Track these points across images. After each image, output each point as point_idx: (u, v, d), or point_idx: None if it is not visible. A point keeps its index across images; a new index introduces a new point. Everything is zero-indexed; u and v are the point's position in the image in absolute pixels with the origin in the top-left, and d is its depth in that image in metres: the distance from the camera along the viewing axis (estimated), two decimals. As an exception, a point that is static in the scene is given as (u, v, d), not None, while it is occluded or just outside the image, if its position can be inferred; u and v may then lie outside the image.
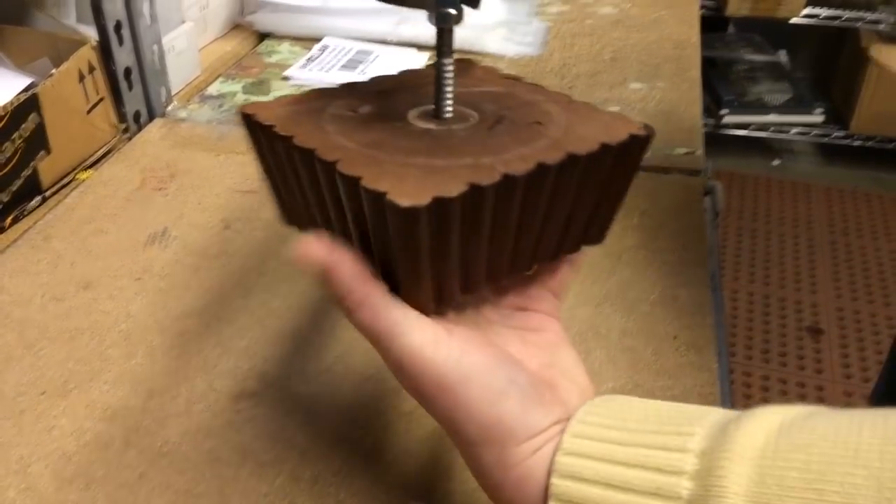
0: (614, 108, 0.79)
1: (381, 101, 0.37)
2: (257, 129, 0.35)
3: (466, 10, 0.33)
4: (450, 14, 0.33)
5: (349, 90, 0.38)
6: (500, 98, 0.38)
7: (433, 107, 0.35)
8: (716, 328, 0.53)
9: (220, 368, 0.49)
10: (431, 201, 0.27)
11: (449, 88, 0.35)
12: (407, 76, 0.40)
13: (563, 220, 0.34)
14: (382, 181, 0.28)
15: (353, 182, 0.29)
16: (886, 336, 1.85)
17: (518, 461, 0.29)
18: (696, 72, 0.87)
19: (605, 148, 0.33)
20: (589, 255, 0.60)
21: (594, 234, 0.37)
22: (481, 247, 0.31)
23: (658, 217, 0.64)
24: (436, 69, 0.35)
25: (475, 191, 0.29)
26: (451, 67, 0.34)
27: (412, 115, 0.35)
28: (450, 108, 0.35)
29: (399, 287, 0.31)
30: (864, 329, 1.88)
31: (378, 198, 0.28)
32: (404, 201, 0.27)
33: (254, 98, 0.82)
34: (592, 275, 0.58)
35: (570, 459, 0.29)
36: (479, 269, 0.32)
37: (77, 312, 0.54)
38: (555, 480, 0.28)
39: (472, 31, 0.90)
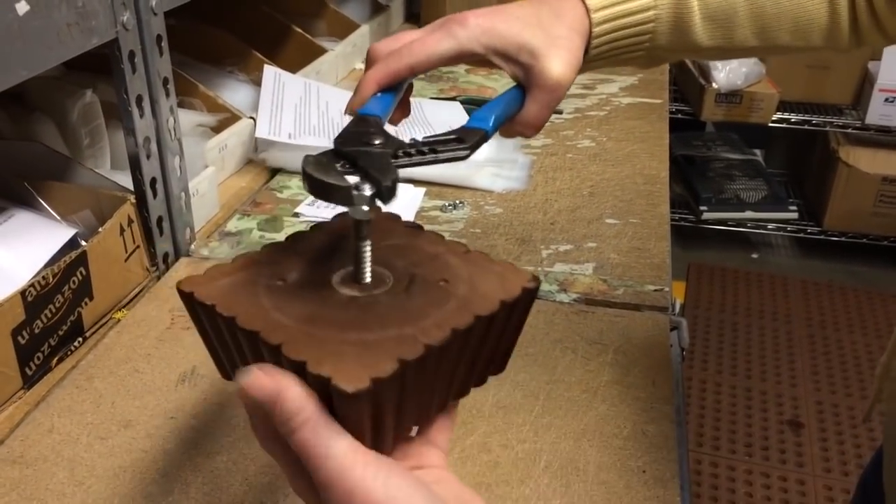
0: (592, 245, 0.89)
1: (305, 266, 0.42)
2: (197, 307, 0.39)
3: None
4: (364, 211, 0.39)
5: (275, 255, 0.43)
6: (407, 253, 0.43)
7: (353, 271, 0.41)
8: (679, 462, 0.61)
9: (247, 504, 0.57)
10: (370, 383, 0.33)
11: (367, 263, 0.41)
12: (324, 234, 0.45)
13: (472, 364, 0.40)
14: (325, 365, 0.34)
15: (299, 366, 0.34)
16: (864, 430, 1.92)
17: None
18: (664, 207, 0.97)
19: (504, 305, 0.39)
20: (569, 391, 0.68)
21: (497, 366, 0.43)
22: (408, 404, 0.37)
23: (631, 353, 0.72)
24: (355, 250, 0.40)
25: (403, 365, 0.34)
26: (368, 248, 0.40)
27: (336, 280, 0.41)
28: (369, 276, 0.41)
29: None
30: (842, 423, 1.95)
31: (324, 381, 0.33)
32: (348, 386, 0.32)
33: (268, 235, 0.91)
34: (573, 410, 0.66)
35: None
36: (408, 419, 0.38)
37: (119, 451, 0.61)
38: None
39: (463, 170, 1.01)
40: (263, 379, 0.34)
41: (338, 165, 0.41)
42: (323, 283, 0.41)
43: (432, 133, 0.48)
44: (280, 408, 0.33)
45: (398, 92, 0.52)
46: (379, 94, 0.50)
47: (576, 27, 0.53)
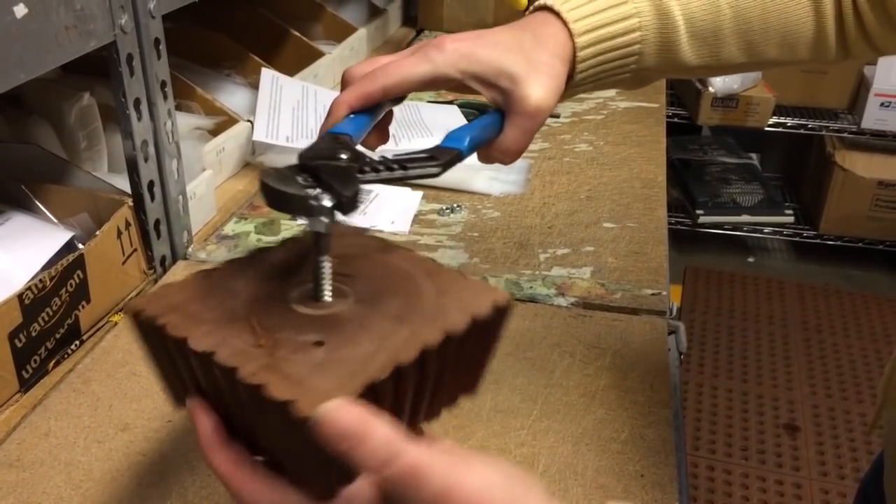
0: (589, 248, 0.89)
1: (264, 281, 0.41)
2: (147, 327, 0.38)
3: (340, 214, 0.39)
4: (322, 222, 0.38)
5: (236, 270, 0.42)
6: (370, 267, 0.42)
7: (312, 289, 0.40)
8: (677, 466, 0.61)
9: (245, 508, 0.56)
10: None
11: (327, 280, 0.40)
12: (289, 250, 0.45)
13: (439, 384, 0.38)
14: (286, 389, 0.32)
15: (256, 390, 0.33)
16: (860, 433, 1.93)
17: None
18: (662, 211, 0.97)
19: (474, 322, 0.37)
20: (567, 395, 0.68)
21: (468, 387, 0.42)
22: None
23: (628, 357, 0.72)
24: (314, 265, 0.39)
25: (370, 387, 0.33)
26: (328, 263, 0.39)
27: (294, 297, 0.40)
28: (329, 294, 0.40)
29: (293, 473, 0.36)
30: (838, 426, 1.95)
31: (284, 406, 0.32)
32: (311, 410, 0.31)
33: (266, 238, 0.91)
34: (570, 414, 0.66)
35: None
36: None
37: (117, 454, 0.61)
38: None
39: (461, 173, 1.01)
40: (347, 412, 0.32)
41: (299, 178, 0.40)
42: (281, 299, 0.40)
43: (430, 136, 0.48)
44: (371, 443, 0.32)
45: (374, 115, 0.50)
46: (352, 116, 0.49)
47: (558, 53, 0.52)
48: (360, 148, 0.45)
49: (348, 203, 0.38)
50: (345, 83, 0.51)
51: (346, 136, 0.46)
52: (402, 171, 0.44)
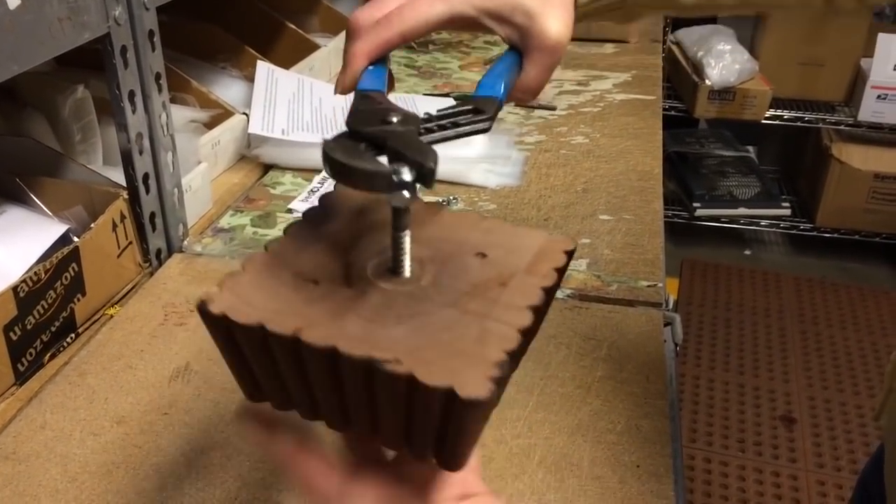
0: (586, 241, 0.89)
1: (340, 252, 0.39)
2: (235, 328, 0.35)
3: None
4: (405, 197, 0.35)
5: (305, 241, 0.40)
6: (455, 256, 0.40)
7: (391, 262, 0.38)
8: (673, 457, 0.61)
9: (240, 500, 0.56)
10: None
11: (406, 255, 0.37)
12: (356, 205, 0.43)
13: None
14: (435, 375, 0.31)
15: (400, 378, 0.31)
16: (857, 425, 1.93)
17: None
18: (658, 203, 0.97)
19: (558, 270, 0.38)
20: (563, 386, 0.68)
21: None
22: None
23: (624, 349, 0.72)
24: (392, 240, 0.37)
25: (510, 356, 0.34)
26: (407, 239, 0.37)
27: (372, 269, 0.38)
28: (408, 270, 0.38)
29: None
30: (834, 418, 1.96)
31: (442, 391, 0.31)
32: (472, 393, 0.31)
33: (262, 231, 0.91)
34: (567, 405, 0.66)
35: None
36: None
37: (112, 447, 0.61)
38: None
39: (458, 165, 1.00)
40: None
41: (362, 148, 0.37)
42: (357, 272, 0.38)
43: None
44: None
45: (387, 63, 0.47)
46: (371, 68, 0.46)
47: None
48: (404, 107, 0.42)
49: (430, 174, 0.35)
50: (354, 31, 0.48)
51: (380, 94, 0.43)
52: (454, 128, 0.41)
